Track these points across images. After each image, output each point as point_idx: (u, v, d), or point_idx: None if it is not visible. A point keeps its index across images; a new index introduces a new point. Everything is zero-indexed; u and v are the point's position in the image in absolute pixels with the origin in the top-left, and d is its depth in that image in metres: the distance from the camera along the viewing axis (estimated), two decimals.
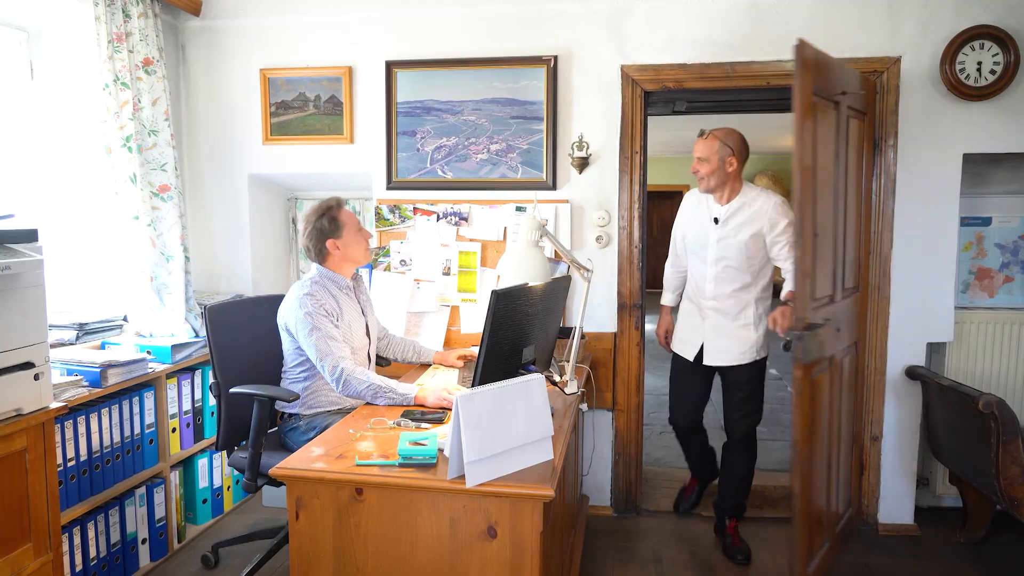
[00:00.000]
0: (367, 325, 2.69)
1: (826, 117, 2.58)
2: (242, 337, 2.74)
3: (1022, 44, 2.98)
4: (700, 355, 3.05)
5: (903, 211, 3.16)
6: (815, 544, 2.65)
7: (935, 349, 3.35)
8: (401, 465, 1.73)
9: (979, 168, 3.33)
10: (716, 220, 2.92)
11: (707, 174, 2.87)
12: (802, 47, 2.33)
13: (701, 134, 2.90)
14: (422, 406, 2.26)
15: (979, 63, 3.01)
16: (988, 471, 2.68)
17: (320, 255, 2.60)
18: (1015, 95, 3.04)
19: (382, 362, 3.00)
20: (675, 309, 3.33)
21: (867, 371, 3.23)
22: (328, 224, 2.56)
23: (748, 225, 2.86)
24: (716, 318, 2.99)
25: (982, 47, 3.00)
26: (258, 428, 2.46)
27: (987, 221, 3.45)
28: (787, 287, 2.83)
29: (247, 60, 3.58)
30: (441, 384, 2.46)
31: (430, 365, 2.95)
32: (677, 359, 3.19)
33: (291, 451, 2.35)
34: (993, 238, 3.46)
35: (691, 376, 3.13)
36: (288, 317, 2.50)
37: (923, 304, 3.18)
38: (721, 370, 3.04)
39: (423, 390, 2.32)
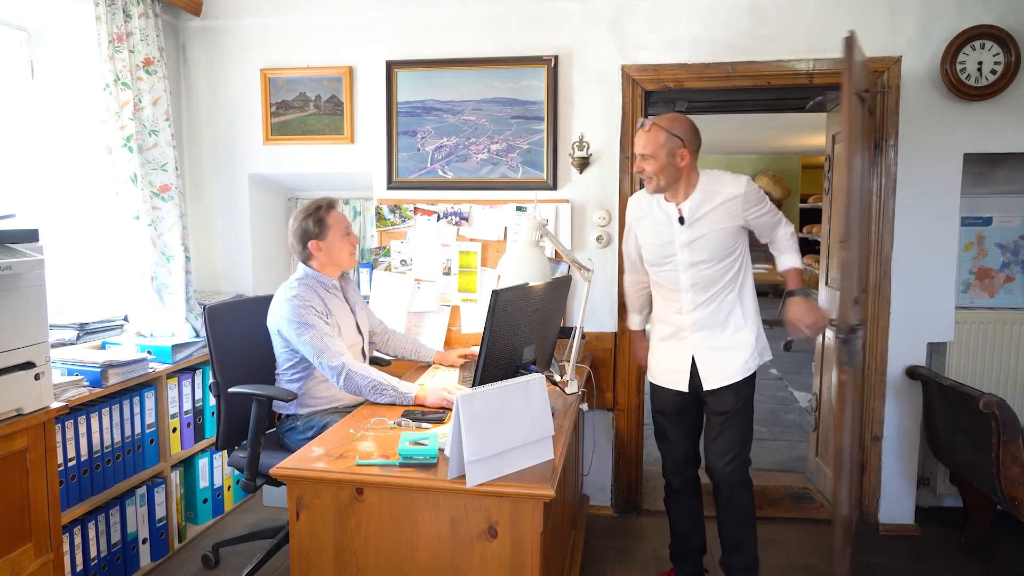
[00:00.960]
0: (357, 323, 2.67)
1: (855, 116, 2.56)
2: (242, 337, 2.74)
3: (1023, 44, 2.98)
4: (692, 383, 2.50)
5: (904, 211, 3.16)
6: (847, 549, 2.61)
7: (935, 349, 3.35)
8: (401, 465, 1.73)
9: (980, 168, 3.33)
10: (682, 220, 2.41)
11: (655, 172, 2.37)
12: (851, 41, 2.31)
13: (642, 126, 2.40)
14: (422, 406, 2.26)
15: (980, 63, 3.01)
16: (989, 471, 2.68)
17: (303, 255, 2.57)
18: (1016, 95, 3.04)
19: (383, 361, 3.00)
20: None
21: (868, 371, 3.23)
22: (313, 225, 2.53)
23: (722, 217, 2.38)
24: (705, 332, 2.46)
25: (983, 47, 3.00)
26: (256, 428, 2.46)
27: (988, 221, 3.45)
28: (786, 262, 2.51)
29: (248, 60, 3.58)
30: (441, 384, 2.44)
31: (430, 365, 2.92)
32: (659, 398, 2.62)
33: (290, 451, 2.35)
34: (994, 238, 3.46)
35: (683, 416, 2.59)
36: (278, 320, 2.47)
37: (924, 304, 3.18)
38: (707, 396, 2.49)
39: (423, 389, 2.31)
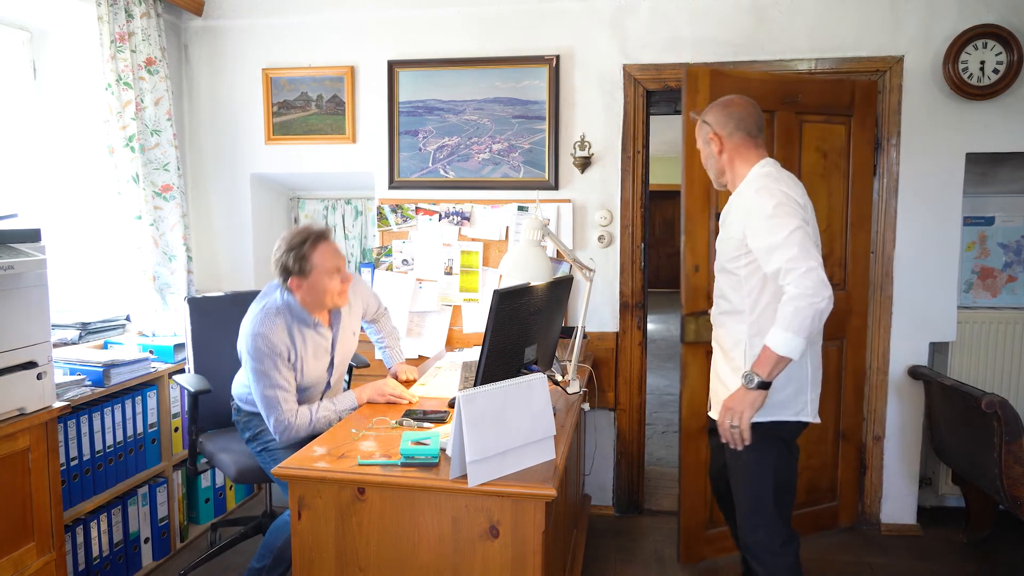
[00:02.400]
0: (333, 358, 2.45)
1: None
2: (222, 330, 2.79)
3: None
4: None
5: (906, 210, 3.15)
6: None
7: (938, 349, 3.34)
8: (403, 465, 1.73)
9: (982, 167, 3.32)
10: (718, 215, 2.23)
11: (703, 166, 2.21)
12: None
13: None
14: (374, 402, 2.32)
15: (982, 62, 3.00)
16: (991, 471, 2.68)
17: (285, 285, 2.31)
18: (1018, 94, 3.03)
19: (360, 362, 3.00)
20: None
21: (869, 371, 3.23)
22: (293, 262, 2.24)
23: (731, 224, 2.07)
24: (715, 353, 2.20)
25: (985, 46, 3.00)
26: (190, 416, 2.64)
27: (990, 220, 3.45)
28: (768, 334, 1.88)
29: (249, 60, 3.58)
30: (380, 382, 2.36)
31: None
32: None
33: (245, 444, 2.54)
34: (996, 237, 3.45)
35: (713, 437, 2.36)
36: (241, 348, 2.30)
37: (926, 304, 3.18)
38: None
39: (362, 392, 2.34)
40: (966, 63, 3.02)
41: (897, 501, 3.26)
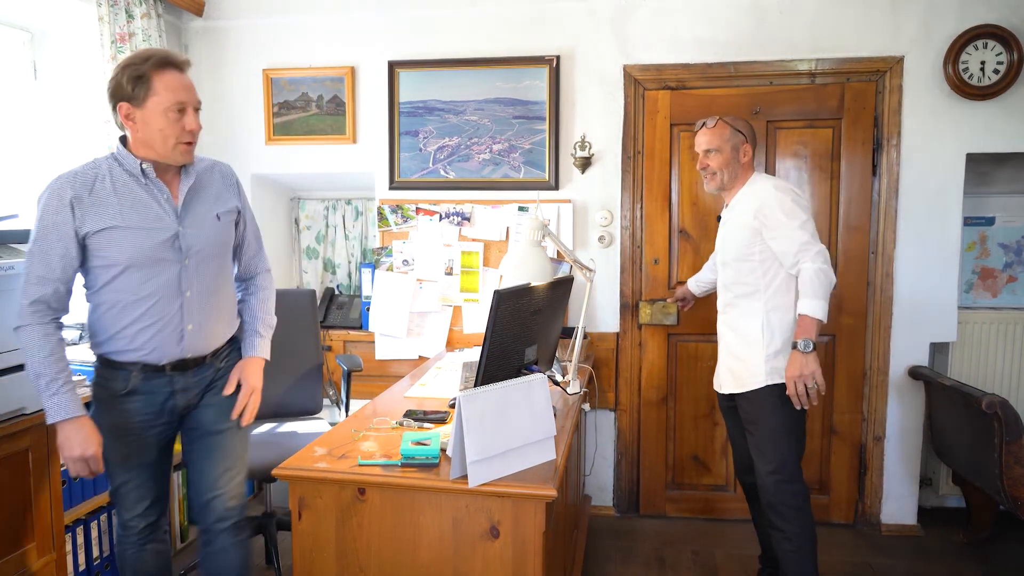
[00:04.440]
0: (179, 240, 1.89)
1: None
2: None
3: None
4: None
5: (907, 211, 3.15)
6: None
7: (938, 349, 3.34)
8: (404, 465, 1.73)
9: (983, 168, 3.32)
10: (719, 218, 2.58)
11: (720, 167, 2.43)
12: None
13: (704, 123, 2.48)
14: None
15: (982, 62, 3.00)
16: (991, 471, 2.68)
17: (116, 121, 1.88)
18: (1019, 94, 3.03)
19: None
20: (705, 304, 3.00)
21: (870, 371, 3.23)
22: (128, 83, 1.79)
23: (742, 217, 2.41)
24: (726, 335, 2.52)
25: (985, 46, 3.00)
26: None
27: (991, 221, 3.45)
28: (800, 306, 2.26)
29: (250, 60, 3.58)
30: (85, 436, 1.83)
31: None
32: (717, 396, 2.66)
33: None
34: (996, 238, 3.45)
35: (733, 415, 2.57)
36: None
37: (926, 304, 3.17)
38: (736, 401, 2.49)
39: (68, 428, 1.81)
40: (966, 63, 3.01)
41: (898, 501, 3.26)
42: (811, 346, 2.22)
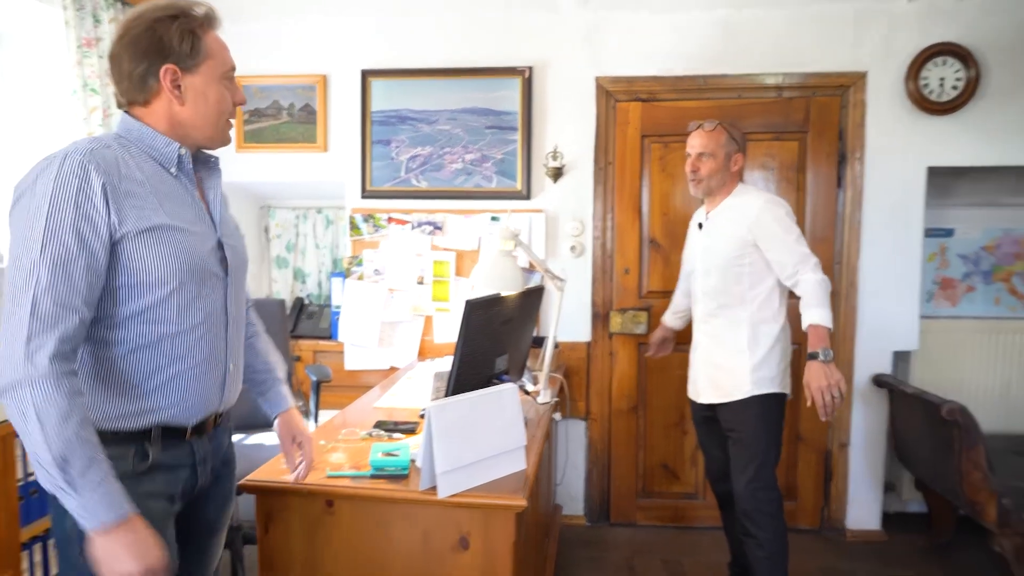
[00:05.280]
0: (221, 244, 1.43)
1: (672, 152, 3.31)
2: None
3: (982, 60, 3.07)
4: None
5: (870, 222, 3.22)
6: None
7: (901, 357, 3.41)
8: (373, 476, 1.72)
9: (943, 180, 3.41)
10: (700, 226, 2.54)
11: (709, 173, 2.42)
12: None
13: (701, 126, 2.44)
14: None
15: (942, 78, 3.09)
16: (951, 476, 2.74)
17: (140, 89, 1.33)
18: (976, 110, 3.12)
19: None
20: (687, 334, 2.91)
21: None
22: (179, 41, 1.31)
23: (731, 227, 2.41)
24: (707, 344, 2.51)
25: (944, 63, 3.09)
26: None
27: (950, 232, 3.54)
28: (810, 316, 2.26)
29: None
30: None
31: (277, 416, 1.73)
32: (691, 406, 2.67)
33: None
34: (956, 249, 3.55)
35: (709, 426, 2.58)
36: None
37: (889, 313, 3.25)
38: (716, 411, 2.49)
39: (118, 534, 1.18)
40: (927, 79, 3.10)
41: (862, 507, 3.32)
42: (831, 355, 2.20)
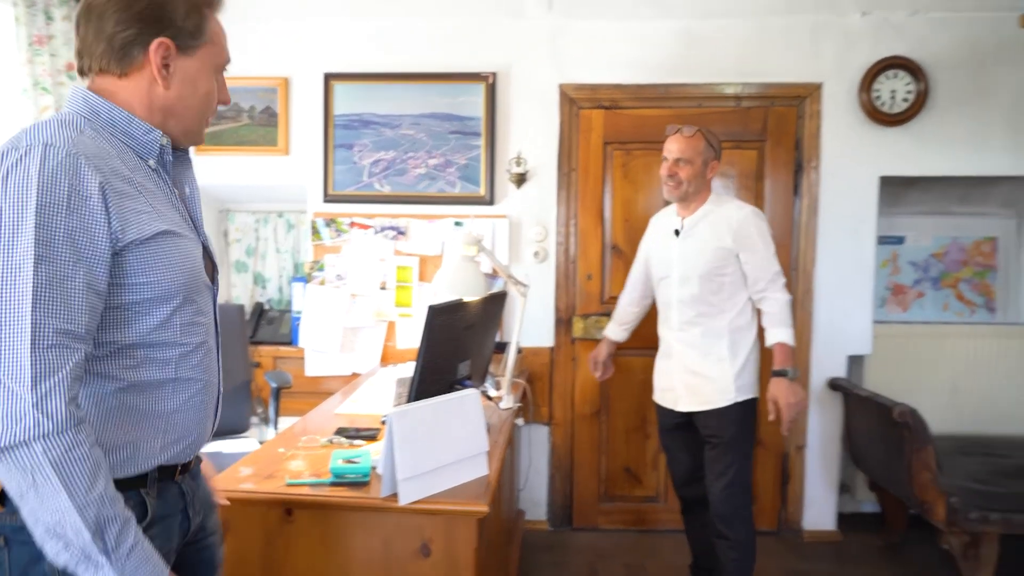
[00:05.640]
0: (206, 248, 1.25)
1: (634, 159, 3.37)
2: None
3: (930, 74, 3.18)
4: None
5: (825, 230, 3.30)
6: None
7: (855, 361, 3.50)
8: (333, 484, 1.70)
9: (894, 189, 3.51)
10: (677, 232, 2.50)
11: (688, 178, 2.41)
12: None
13: (679, 130, 2.45)
14: None
15: (893, 91, 3.19)
16: (902, 477, 2.82)
17: (120, 58, 1.09)
18: (925, 121, 3.23)
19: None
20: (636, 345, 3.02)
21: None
22: (182, 14, 1.12)
23: (714, 236, 2.42)
24: (685, 353, 2.49)
25: (896, 76, 3.19)
26: None
27: (901, 240, 3.65)
28: (776, 335, 2.38)
29: None
30: None
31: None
32: (661, 414, 2.66)
33: None
34: (907, 256, 3.66)
35: (681, 432, 2.58)
36: None
37: (844, 319, 3.33)
38: (694, 419, 2.51)
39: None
40: (879, 91, 3.20)
41: (818, 508, 3.39)
42: (798, 373, 2.41)
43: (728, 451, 2.43)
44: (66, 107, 1.11)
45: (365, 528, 1.64)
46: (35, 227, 0.94)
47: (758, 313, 2.48)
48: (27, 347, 0.92)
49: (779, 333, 2.38)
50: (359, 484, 1.70)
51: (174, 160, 1.22)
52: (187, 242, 1.14)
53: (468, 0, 3.34)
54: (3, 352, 0.93)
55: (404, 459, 1.58)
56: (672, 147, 2.45)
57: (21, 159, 0.97)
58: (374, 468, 1.77)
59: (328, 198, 3.43)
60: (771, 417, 2.38)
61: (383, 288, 3.41)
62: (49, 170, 0.96)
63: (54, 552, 0.95)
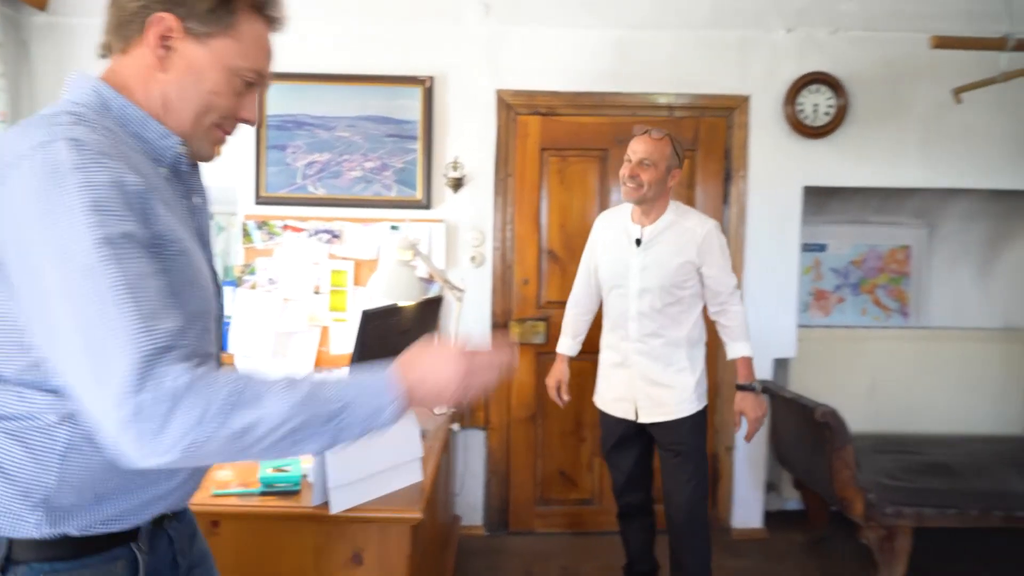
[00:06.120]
0: (211, 266, 1.11)
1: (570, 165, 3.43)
2: None
3: (850, 89, 3.33)
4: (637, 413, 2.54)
5: (753, 238, 3.42)
6: None
7: (780, 364, 3.63)
8: (263, 493, 1.66)
9: (817, 199, 3.67)
10: (638, 242, 2.45)
11: (650, 181, 2.35)
12: None
13: (648, 132, 2.39)
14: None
15: (815, 105, 3.33)
16: (824, 475, 2.93)
17: (124, 31, 1.03)
18: (845, 134, 3.38)
19: None
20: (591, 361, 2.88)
21: (722, 386, 3.45)
22: None
23: (677, 249, 2.41)
24: (645, 364, 2.47)
25: (818, 91, 3.33)
26: None
27: (823, 247, 3.82)
28: (738, 349, 2.48)
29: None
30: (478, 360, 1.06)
31: None
32: (608, 424, 2.62)
33: None
34: (828, 263, 3.83)
35: (631, 443, 2.58)
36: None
37: (770, 323, 3.44)
38: (651, 429, 2.51)
39: (409, 370, 0.95)
40: (802, 105, 3.33)
41: (746, 507, 3.50)
42: (761, 385, 2.53)
43: (690, 459, 2.49)
44: (70, 95, 1.01)
45: (295, 538, 1.61)
46: (92, 230, 0.84)
47: (713, 324, 2.56)
48: (131, 312, 0.82)
49: (741, 347, 2.48)
50: (289, 493, 1.67)
51: (190, 166, 1.12)
52: (198, 260, 1.00)
53: (406, 4, 3.32)
54: (96, 329, 0.81)
55: (335, 466, 1.56)
56: (638, 148, 2.39)
57: (35, 150, 0.87)
58: (305, 476, 1.74)
59: (260, 200, 3.34)
60: (737, 430, 2.50)
61: (317, 292, 3.35)
62: (85, 160, 0.86)
63: (330, 440, 0.89)
